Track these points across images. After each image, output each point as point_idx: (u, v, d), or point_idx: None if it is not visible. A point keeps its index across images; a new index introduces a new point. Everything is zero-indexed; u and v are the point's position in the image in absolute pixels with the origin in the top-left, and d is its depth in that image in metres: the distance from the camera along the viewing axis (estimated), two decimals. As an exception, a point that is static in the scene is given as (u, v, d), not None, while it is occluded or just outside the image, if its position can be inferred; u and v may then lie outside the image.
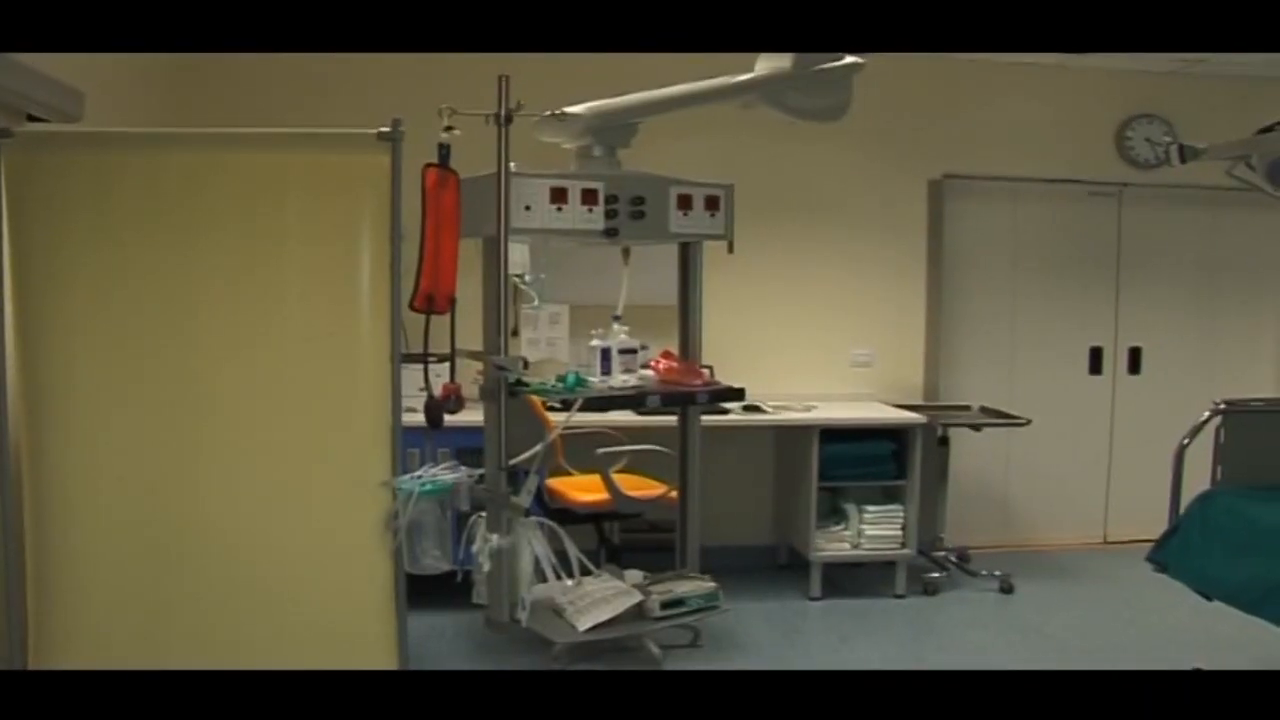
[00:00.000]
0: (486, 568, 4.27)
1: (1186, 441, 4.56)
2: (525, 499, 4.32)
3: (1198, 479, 4.54)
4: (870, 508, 6.23)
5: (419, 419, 4.15)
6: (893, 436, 6.27)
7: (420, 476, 4.07)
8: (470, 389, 4.37)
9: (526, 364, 4.32)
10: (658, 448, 5.27)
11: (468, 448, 4.64)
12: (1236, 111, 5.15)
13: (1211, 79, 7.10)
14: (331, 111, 4.51)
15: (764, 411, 6.26)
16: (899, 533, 6.23)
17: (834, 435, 6.12)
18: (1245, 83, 6.89)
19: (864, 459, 6.21)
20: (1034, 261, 7.30)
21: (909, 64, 6.35)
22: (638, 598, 4.80)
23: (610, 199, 4.47)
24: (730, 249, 4.86)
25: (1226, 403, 4.59)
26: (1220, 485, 4.52)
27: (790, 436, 6.46)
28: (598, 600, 4.71)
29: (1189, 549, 4.44)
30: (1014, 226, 7.27)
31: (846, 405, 6.61)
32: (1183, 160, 4.78)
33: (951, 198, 7.01)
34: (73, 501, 3.90)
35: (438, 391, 4.07)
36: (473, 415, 4.49)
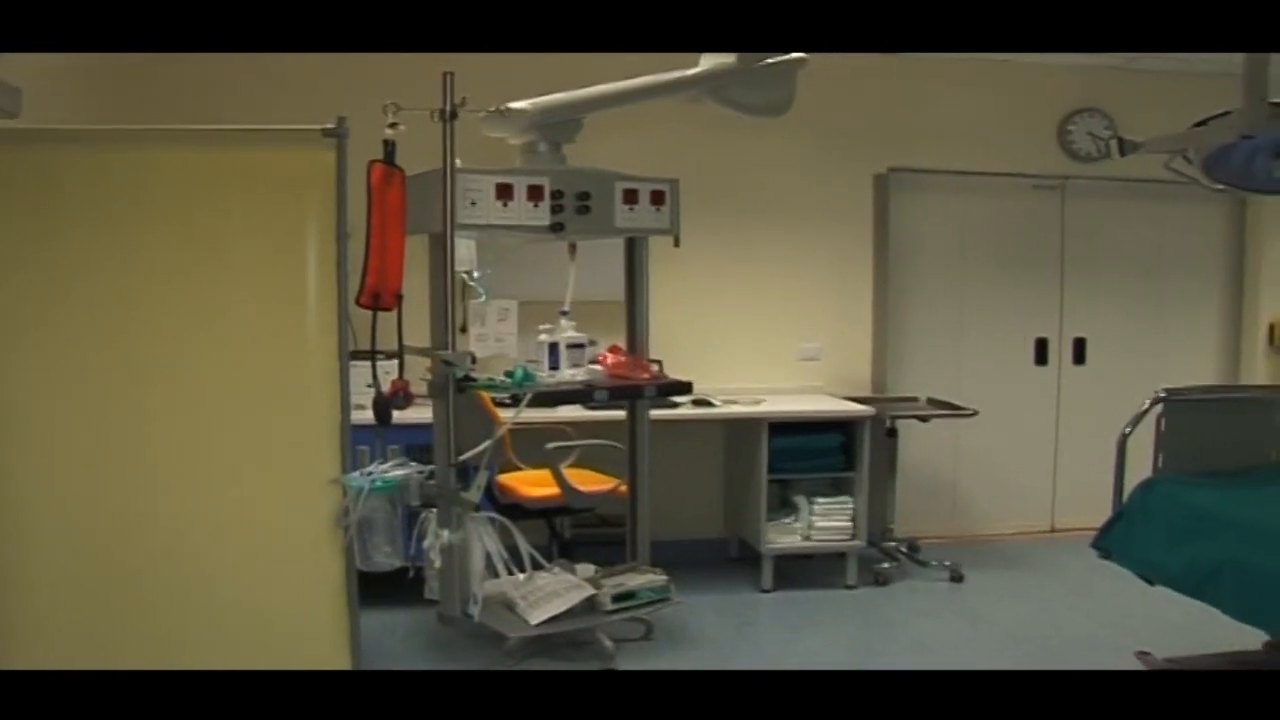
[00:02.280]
0: (438, 564, 4.26)
1: (1128, 430, 4.62)
2: (475, 494, 4.31)
3: (1141, 467, 4.60)
4: (820, 500, 6.28)
5: (368, 416, 4.14)
6: (841, 429, 6.31)
7: (370, 473, 4.07)
8: (419, 385, 4.36)
9: (474, 359, 4.31)
10: (608, 442, 5.29)
11: (417, 444, 4.65)
12: (1174, 106, 5.21)
13: (1150, 74, 7.22)
14: (276, 109, 4.49)
15: (713, 405, 6.28)
16: (849, 524, 6.28)
17: (783, 428, 6.16)
18: (1182, 78, 6.99)
19: (813, 451, 6.25)
20: (979, 254, 7.38)
21: (853, 59, 6.39)
22: (589, 591, 4.81)
23: (556, 194, 4.48)
24: (676, 243, 4.88)
25: (1167, 391, 4.66)
26: (1161, 473, 4.59)
27: (740, 430, 6.49)
28: (549, 594, 4.72)
29: (1132, 536, 4.50)
30: (959, 220, 7.34)
31: (795, 398, 6.65)
32: (1122, 153, 4.83)
33: (897, 191, 7.07)
34: (17, 502, 3.88)
35: (386, 388, 4.07)
36: (422, 412, 4.49)
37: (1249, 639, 4.39)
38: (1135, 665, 4.68)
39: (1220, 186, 5.01)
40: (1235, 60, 4.04)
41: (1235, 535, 4.07)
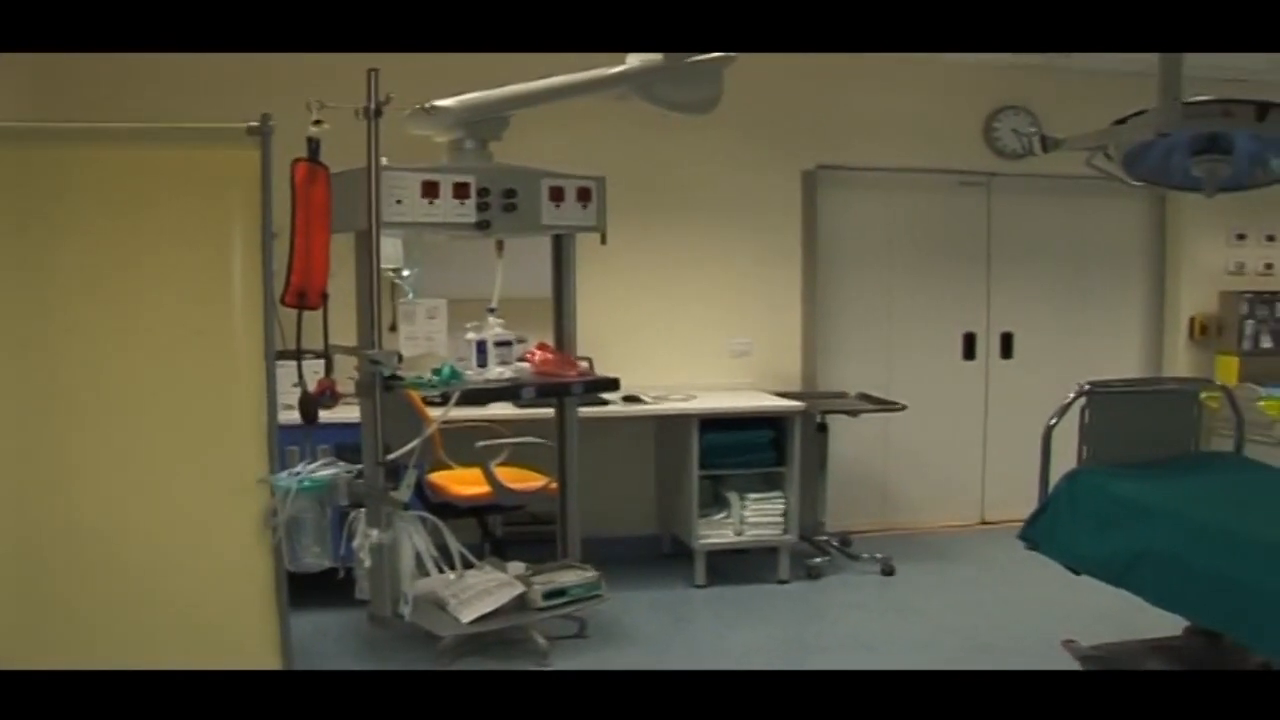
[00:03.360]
0: (368, 563, 4.25)
1: (1054, 422, 4.68)
2: (404, 493, 4.31)
3: (1066, 459, 4.66)
4: (752, 495, 6.30)
5: (296, 415, 4.11)
6: (772, 424, 6.34)
7: (298, 473, 4.05)
8: (348, 385, 4.34)
9: (401, 358, 4.30)
10: (537, 439, 5.29)
11: (347, 444, 4.61)
12: (1096, 104, 5.29)
13: (1073, 73, 7.31)
14: (199, 107, 4.42)
15: (643, 402, 6.29)
16: (781, 519, 6.31)
17: (714, 424, 6.18)
18: (1104, 76, 7.09)
19: (744, 447, 6.27)
20: (907, 250, 7.46)
21: (780, 56, 6.40)
22: (520, 589, 4.81)
23: (482, 192, 4.47)
24: (603, 240, 4.89)
25: (1091, 384, 4.72)
26: (1085, 464, 4.64)
27: (670, 426, 6.50)
28: (480, 592, 4.71)
29: (1057, 526, 4.55)
30: (887, 216, 7.41)
31: (725, 394, 6.67)
32: (1045, 150, 4.89)
33: (825, 188, 7.12)
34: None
35: (312, 387, 4.04)
36: (350, 411, 4.46)
37: (1170, 626, 4.46)
38: (1062, 654, 4.74)
39: (1139, 183, 5.11)
40: (1152, 60, 4.10)
41: (1156, 525, 4.13)
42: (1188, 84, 4.10)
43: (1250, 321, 7.71)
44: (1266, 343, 7.74)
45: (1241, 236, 7.87)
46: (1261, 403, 7.20)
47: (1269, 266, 7.95)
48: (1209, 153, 4.51)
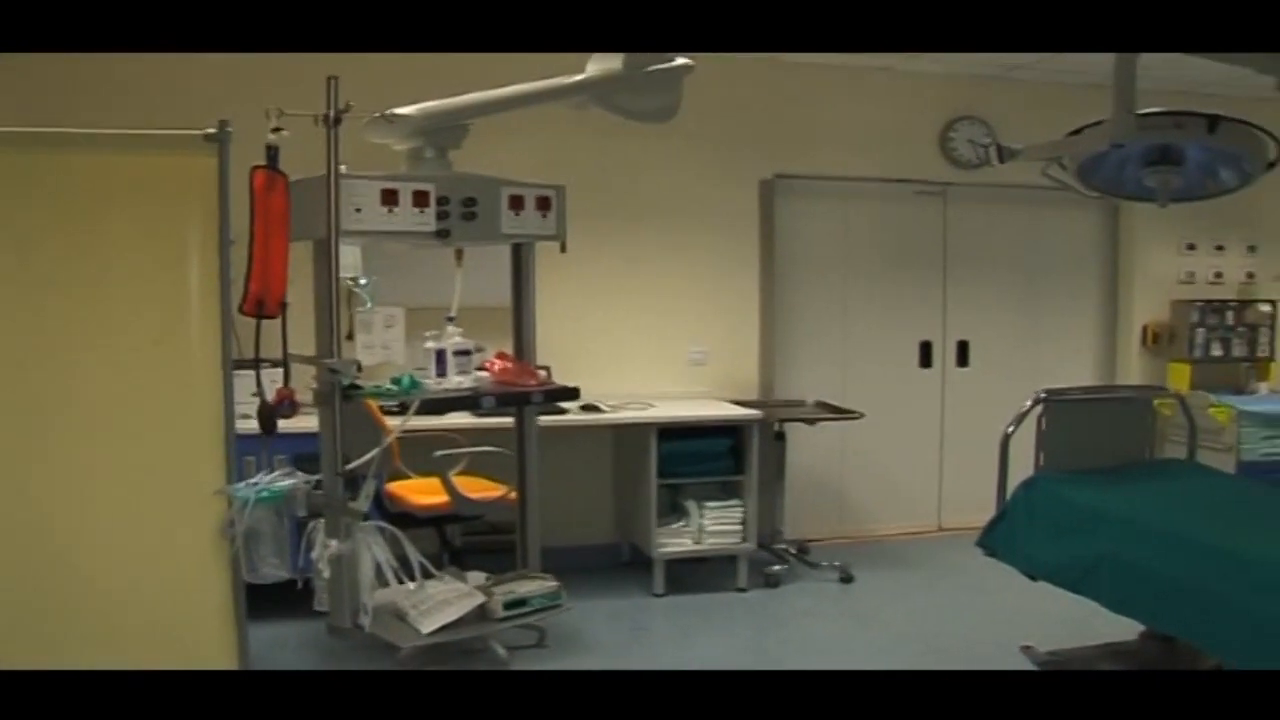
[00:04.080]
0: (327, 574, 4.22)
1: (1011, 430, 4.72)
2: (363, 504, 4.28)
3: (1023, 466, 4.70)
4: (710, 504, 6.31)
5: (254, 425, 4.08)
6: (730, 433, 6.35)
7: (256, 483, 4.01)
8: (305, 394, 4.31)
9: (360, 367, 4.27)
10: (496, 449, 5.27)
11: (304, 454, 4.56)
12: (1050, 114, 5.36)
13: (1028, 83, 7.41)
14: (156, 113, 4.37)
15: (601, 411, 6.29)
16: (739, 527, 6.33)
17: (672, 433, 6.19)
18: (1058, 88, 7.20)
19: (702, 456, 6.29)
20: (864, 259, 7.50)
21: (738, 66, 6.46)
22: (480, 599, 4.78)
23: (442, 200, 4.44)
24: (563, 249, 4.88)
25: (1047, 392, 4.77)
26: (1042, 471, 4.69)
27: (629, 435, 6.50)
28: (440, 603, 4.68)
29: (1015, 533, 4.59)
30: (844, 225, 7.45)
31: (683, 403, 6.67)
32: (1001, 160, 4.92)
33: (782, 197, 7.15)
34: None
35: (271, 396, 4.01)
36: (308, 421, 4.43)
37: (1126, 630, 4.52)
38: (1020, 658, 4.78)
39: (1094, 193, 5.15)
40: (1105, 72, 4.15)
41: (1112, 531, 4.19)
42: (1140, 96, 4.14)
43: (1201, 330, 7.83)
44: (1217, 351, 7.86)
45: (1192, 246, 7.99)
46: (1212, 410, 7.31)
47: (1219, 275, 8.07)
48: (1161, 164, 4.57)
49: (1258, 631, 3.53)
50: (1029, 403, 4.75)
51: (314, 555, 4.23)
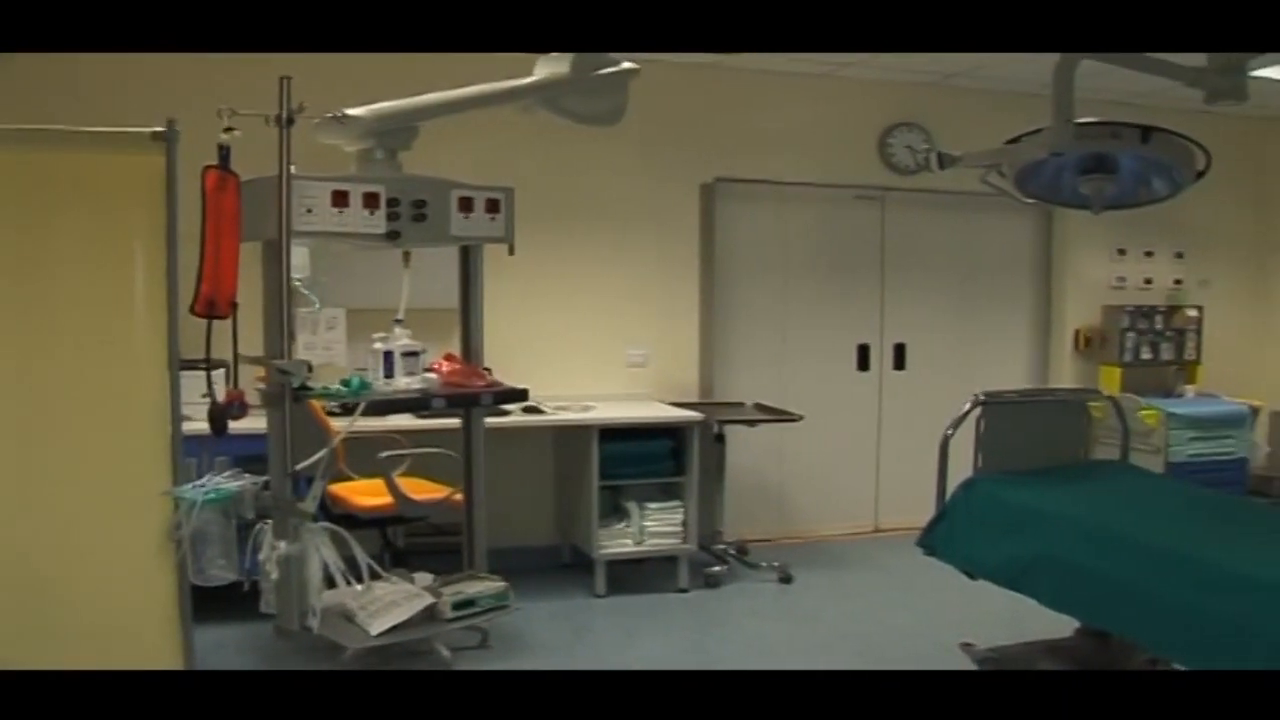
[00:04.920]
0: (275, 575, 4.19)
1: (950, 432, 4.78)
2: (312, 505, 4.27)
3: (962, 467, 4.78)
4: (651, 505, 6.36)
5: (196, 427, 4.06)
6: (670, 434, 6.40)
7: (203, 485, 3.99)
8: (251, 395, 4.28)
9: (311, 369, 4.26)
10: (441, 450, 5.26)
11: (246, 455, 4.54)
12: (987, 122, 5.47)
13: (966, 91, 7.54)
14: (106, 112, 4.30)
15: (543, 412, 6.30)
16: (680, 528, 6.38)
17: (613, 435, 6.23)
18: (995, 96, 7.33)
19: (643, 457, 6.33)
20: (803, 262, 7.58)
21: (682, 70, 6.50)
22: (429, 600, 4.78)
23: (392, 202, 4.44)
24: (511, 251, 4.89)
25: (986, 395, 4.85)
26: (981, 472, 4.76)
27: (570, 437, 6.52)
28: (389, 604, 4.67)
29: (955, 533, 4.66)
30: (783, 229, 7.53)
31: (624, 405, 6.71)
32: (941, 167, 4.99)
33: (723, 200, 7.22)
34: None
35: (221, 397, 3.99)
36: (251, 423, 4.38)
37: (1062, 627, 4.60)
38: (960, 656, 4.85)
39: (1031, 200, 5.26)
40: (1041, 81, 4.23)
41: (1049, 530, 4.27)
42: (1076, 105, 4.23)
43: (1131, 334, 8.01)
44: (1146, 354, 8.05)
45: (1122, 252, 8.18)
46: (1142, 412, 7.48)
47: (1148, 281, 8.26)
48: (1096, 172, 4.67)
49: (1189, 626, 3.62)
50: (968, 405, 4.82)
51: (261, 557, 4.21)
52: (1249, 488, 7.90)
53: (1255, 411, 8.09)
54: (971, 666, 4.80)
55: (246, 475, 4.15)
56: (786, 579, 6.59)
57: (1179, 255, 8.37)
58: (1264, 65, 6.33)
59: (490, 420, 5.58)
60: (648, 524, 6.34)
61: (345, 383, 4.49)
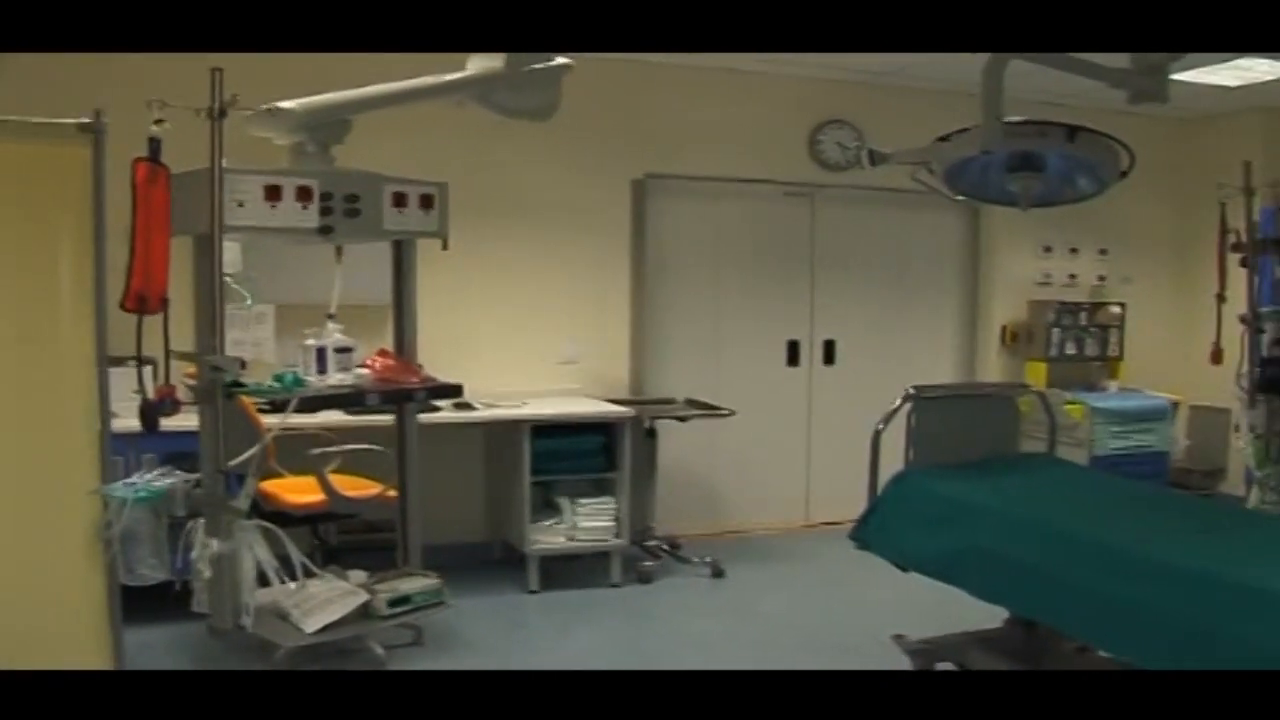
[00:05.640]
0: (207, 574, 4.13)
1: (881, 426, 4.82)
2: (244, 502, 4.22)
3: (892, 460, 4.83)
4: (583, 500, 6.37)
5: (124, 424, 4.00)
6: (602, 430, 6.41)
7: (133, 483, 3.93)
8: (182, 391, 4.22)
9: (244, 365, 4.20)
10: (373, 446, 5.22)
11: (176, 452, 4.49)
12: (917, 120, 5.52)
13: (896, 89, 7.61)
14: (31, 102, 4.20)
15: (474, 409, 6.28)
16: (612, 524, 6.40)
17: (545, 430, 6.23)
18: (925, 94, 7.39)
19: (575, 453, 6.34)
20: (734, 258, 7.62)
21: (614, 66, 6.49)
22: (364, 597, 4.75)
23: (325, 196, 4.39)
24: (445, 246, 4.86)
25: (916, 389, 4.90)
26: (912, 465, 4.81)
27: (501, 433, 6.51)
28: (324, 602, 4.63)
29: (886, 526, 4.71)
30: (714, 225, 7.56)
31: (556, 401, 6.71)
32: (872, 164, 5.02)
33: (654, 196, 7.23)
34: None
35: (153, 394, 3.93)
36: (181, 419, 4.32)
37: (992, 617, 4.66)
38: (892, 648, 4.90)
39: (960, 197, 5.32)
40: (969, 79, 4.28)
41: (979, 523, 4.33)
42: (1005, 105, 4.28)
43: (1056, 329, 8.13)
44: (1071, 350, 8.17)
45: (1048, 249, 8.31)
46: (1067, 406, 7.60)
47: (1073, 277, 8.40)
48: (1024, 170, 4.72)
49: (1114, 614, 3.68)
50: (899, 400, 4.87)
51: (193, 555, 4.15)
52: (1169, 480, 8.05)
53: (1175, 406, 8.26)
54: (903, 658, 4.85)
55: (177, 473, 4.10)
56: (719, 573, 6.62)
57: (1103, 252, 8.51)
58: (1185, 68, 6.47)
59: (422, 417, 5.56)
60: (580, 519, 6.35)
61: (278, 379, 4.45)
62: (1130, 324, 8.41)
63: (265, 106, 4.27)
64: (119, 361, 3.94)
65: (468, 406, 6.23)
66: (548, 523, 6.35)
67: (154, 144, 3.79)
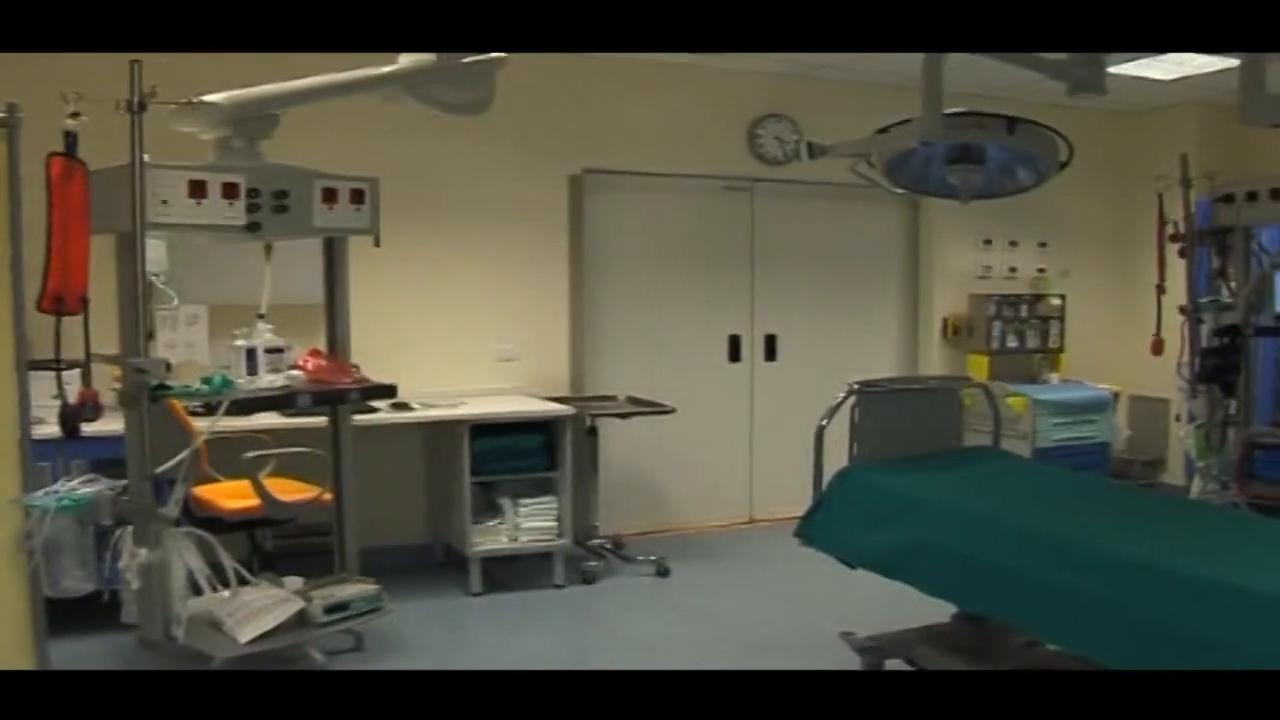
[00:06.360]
0: (136, 585, 4.01)
1: (825, 422, 4.77)
2: (173, 509, 4.09)
3: (836, 456, 4.78)
4: (525, 500, 6.29)
5: (47, 430, 3.86)
6: (543, 429, 6.34)
7: (56, 491, 3.79)
8: (108, 396, 4.09)
9: (169, 367, 4.08)
10: (308, 449, 5.11)
11: (104, 458, 4.35)
12: (856, 114, 5.49)
13: (832, 83, 7.58)
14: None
15: (412, 409, 6.18)
16: (554, 524, 6.32)
17: (485, 430, 6.14)
18: (864, 87, 7.39)
19: (515, 452, 6.26)
20: (673, 254, 7.56)
21: (550, 60, 6.40)
22: (299, 604, 4.63)
23: (252, 192, 4.29)
24: (377, 243, 4.76)
25: (859, 384, 4.86)
26: (856, 461, 4.77)
27: (441, 433, 6.42)
28: (258, 610, 4.51)
29: (832, 522, 4.66)
30: (653, 220, 7.50)
31: (495, 399, 6.63)
32: (811, 156, 4.99)
33: (592, 192, 7.16)
34: None
35: (73, 398, 3.79)
36: (108, 424, 4.20)
37: (940, 612, 4.63)
38: (840, 645, 4.85)
39: (900, 189, 5.29)
40: (907, 72, 4.25)
41: (926, 518, 4.29)
42: (944, 98, 4.25)
43: (997, 322, 8.16)
44: (1012, 342, 8.20)
45: (988, 242, 8.32)
46: (1009, 399, 7.60)
47: (1013, 270, 8.43)
48: (964, 162, 4.70)
49: (1061, 607, 3.67)
50: (842, 394, 4.82)
51: (121, 565, 4.02)
52: (1111, 470, 8.11)
53: (1116, 397, 8.30)
54: (852, 655, 4.80)
55: (103, 479, 3.96)
56: (664, 572, 6.56)
57: (1043, 245, 8.55)
58: (1122, 61, 6.49)
59: (359, 418, 5.47)
60: (521, 520, 6.27)
61: (206, 381, 4.31)
62: (1070, 316, 8.46)
63: (190, 100, 4.15)
64: (43, 365, 3.79)
65: (406, 407, 6.14)
66: (489, 524, 6.26)
67: (70, 138, 3.64)
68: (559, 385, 7.13)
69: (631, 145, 7.24)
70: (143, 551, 3.95)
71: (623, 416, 6.83)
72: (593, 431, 6.77)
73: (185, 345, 4.62)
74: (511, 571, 6.40)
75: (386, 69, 4.68)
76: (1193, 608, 3.27)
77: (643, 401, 6.88)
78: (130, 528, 4.02)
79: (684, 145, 7.38)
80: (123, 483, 4.02)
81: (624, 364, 7.42)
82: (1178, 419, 6.40)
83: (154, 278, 4.63)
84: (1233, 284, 5.72)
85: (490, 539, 6.22)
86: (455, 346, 6.90)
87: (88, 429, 3.92)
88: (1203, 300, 5.91)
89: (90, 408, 3.80)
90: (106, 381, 4.15)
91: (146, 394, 3.99)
